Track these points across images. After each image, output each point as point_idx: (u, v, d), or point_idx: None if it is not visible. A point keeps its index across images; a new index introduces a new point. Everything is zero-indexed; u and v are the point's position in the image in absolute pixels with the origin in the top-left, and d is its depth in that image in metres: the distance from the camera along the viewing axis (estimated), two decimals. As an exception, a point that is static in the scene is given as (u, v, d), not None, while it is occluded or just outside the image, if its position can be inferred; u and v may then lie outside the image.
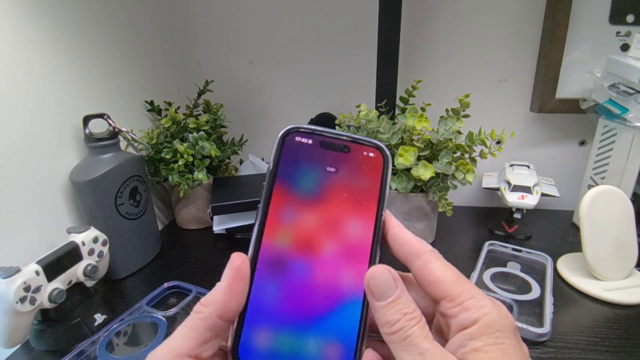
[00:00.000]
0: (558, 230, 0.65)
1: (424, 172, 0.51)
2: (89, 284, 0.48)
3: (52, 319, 0.42)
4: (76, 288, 0.44)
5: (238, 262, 0.19)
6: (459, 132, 0.53)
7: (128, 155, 0.54)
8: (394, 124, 0.55)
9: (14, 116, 0.44)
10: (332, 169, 0.22)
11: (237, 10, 0.74)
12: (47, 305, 0.40)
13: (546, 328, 0.41)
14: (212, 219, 0.65)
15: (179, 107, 0.70)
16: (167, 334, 0.42)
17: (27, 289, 0.37)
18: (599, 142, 0.61)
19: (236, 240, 0.65)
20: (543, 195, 0.61)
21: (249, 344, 0.19)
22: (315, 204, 0.21)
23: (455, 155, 0.53)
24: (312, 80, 0.77)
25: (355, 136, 0.22)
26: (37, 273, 0.39)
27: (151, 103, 0.67)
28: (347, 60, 0.74)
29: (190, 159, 0.63)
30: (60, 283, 0.41)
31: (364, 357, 0.19)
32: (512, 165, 0.68)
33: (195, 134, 0.64)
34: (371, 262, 0.20)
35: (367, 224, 0.21)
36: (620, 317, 0.44)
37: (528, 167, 0.67)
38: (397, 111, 0.62)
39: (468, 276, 0.51)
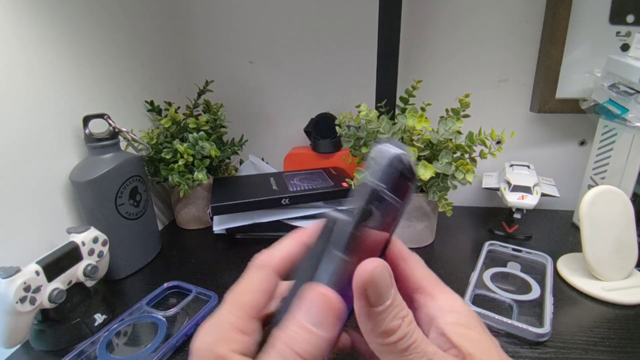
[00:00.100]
0: (558, 230, 0.65)
1: (424, 172, 0.51)
2: (89, 284, 0.48)
3: (52, 319, 0.42)
4: (76, 288, 0.44)
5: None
6: (459, 132, 0.53)
7: (128, 155, 0.54)
8: (394, 124, 0.55)
9: (14, 116, 0.44)
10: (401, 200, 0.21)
11: (237, 10, 0.74)
12: (47, 305, 0.40)
13: (546, 328, 0.40)
14: (212, 219, 0.65)
15: (179, 107, 0.70)
16: (167, 334, 0.42)
17: (27, 289, 0.37)
18: (599, 142, 0.61)
19: (236, 240, 0.65)
20: (543, 195, 0.61)
21: None
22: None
23: (455, 156, 0.53)
24: (312, 80, 0.77)
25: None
26: (37, 273, 0.39)
27: (151, 103, 0.67)
28: (347, 60, 0.74)
29: (190, 159, 0.63)
30: (60, 283, 0.41)
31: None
32: (512, 165, 0.68)
33: (195, 134, 0.64)
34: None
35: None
36: (620, 317, 0.44)
37: (528, 167, 0.67)
38: (397, 111, 0.62)
39: (468, 276, 0.51)
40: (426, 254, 0.57)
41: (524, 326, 0.40)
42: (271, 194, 0.62)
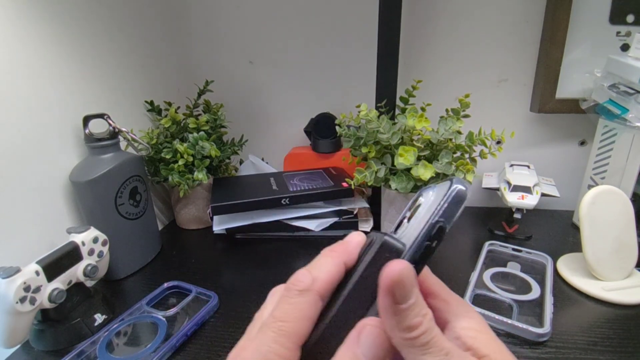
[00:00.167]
0: (558, 230, 0.65)
1: (424, 172, 0.51)
2: (89, 284, 0.48)
3: (52, 319, 0.42)
4: (76, 288, 0.44)
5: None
6: (459, 132, 0.53)
7: (128, 155, 0.54)
8: (394, 124, 0.55)
9: (14, 116, 0.44)
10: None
11: (237, 10, 0.74)
12: (47, 305, 0.40)
13: (546, 328, 0.41)
14: (212, 219, 0.65)
15: (179, 107, 0.70)
16: (167, 334, 0.42)
17: (27, 289, 0.37)
18: (599, 142, 0.61)
19: (236, 240, 0.65)
20: (543, 195, 0.61)
21: None
22: None
23: (455, 155, 0.53)
24: (312, 80, 0.77)
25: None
26: (37, 273, 0.39)
27: (151, 103, 0.67)
28: (347, 60, 0.74)
29: (190, 159, 0.63)
30: (60, 283, 0.41)
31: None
32: (512, 165, 0.68)
33: (195, 134, 0.64)
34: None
35: None
36: (620, 317, 0.44)
37: (528, 167, 0.67)
38: (397, 111, 0.62)
39: (468, 276, 0.51)
40: (426, 254, 0.57)
41: (524, 326, 0.40)
42: (271, 194, 0.62)
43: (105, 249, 0.47)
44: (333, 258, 0.20)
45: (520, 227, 0.64)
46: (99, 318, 0.45)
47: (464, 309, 0.21)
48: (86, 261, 0.45)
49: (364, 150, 0.56)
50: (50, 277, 0.40)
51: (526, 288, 0.48)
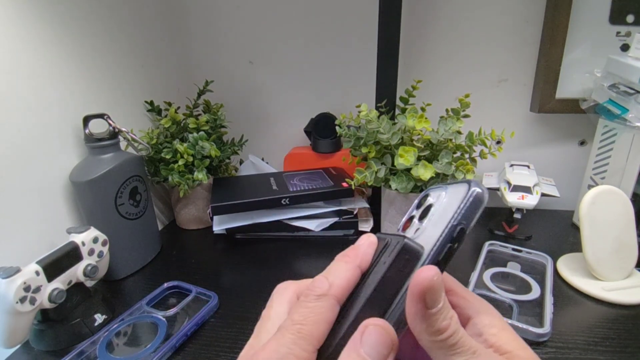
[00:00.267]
0: (558, 230, 0.65)
1: (424, 172, 0.51)
2: (89, 284, 0.48)
3: (52, 319, 0.42)
4: (76, 288, 0.44)
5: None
6: (459, 132, 0.53)
7: (128, 156, 0.54)
8: (394, 124, 0.55)
9: (14, 116, 0.44)
10: None
11: (237, 10, 0.74)
12: (47, 305, 0.40)
13: (546, 328, 0.40)
14: (212, 219, 0.65)
15: (179, 107, 0.70)
16: (167, 334, 0.42)
17: (27, 289, 0.37)
18: (599, 142, 0.61)
19: (236, 240, 0.65)
20: (543, 195, 0.61)
21: None
22: None
23: (455, 156, 0.53)
24: (312, 80, 0.77)
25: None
26: (37, 273, 0.39)
27: (151, 103, 0.67)
28: (347, 60, 0.74)
29: (190, 159, 0.63)
30: (60, 283, 0.41)
31: None
32: (512, 165, 0.68)
33: (195, 134, 0.64)
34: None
35: None
36: (620, 317, 0.44)
37: (528, 167, 0.67)
38: (397, 111, 0.62)
39: (468, 276, 0.51)
40: (426, 254, 0.57)
41: (524, 326, 0.40)
42: (271, 194, 0.62)
43: (105, 249, 0.47)
44: (347, 263, 0.21)
45: (520, 227, 0.64)
46: (99, 318, 0.45)
47: (483, 305, 0.22)
48: (86, 261, 0.45)
49: (364, 150, 0.56)
50: (50, 277, 0.40)
51: (526, 288, 0.48)
